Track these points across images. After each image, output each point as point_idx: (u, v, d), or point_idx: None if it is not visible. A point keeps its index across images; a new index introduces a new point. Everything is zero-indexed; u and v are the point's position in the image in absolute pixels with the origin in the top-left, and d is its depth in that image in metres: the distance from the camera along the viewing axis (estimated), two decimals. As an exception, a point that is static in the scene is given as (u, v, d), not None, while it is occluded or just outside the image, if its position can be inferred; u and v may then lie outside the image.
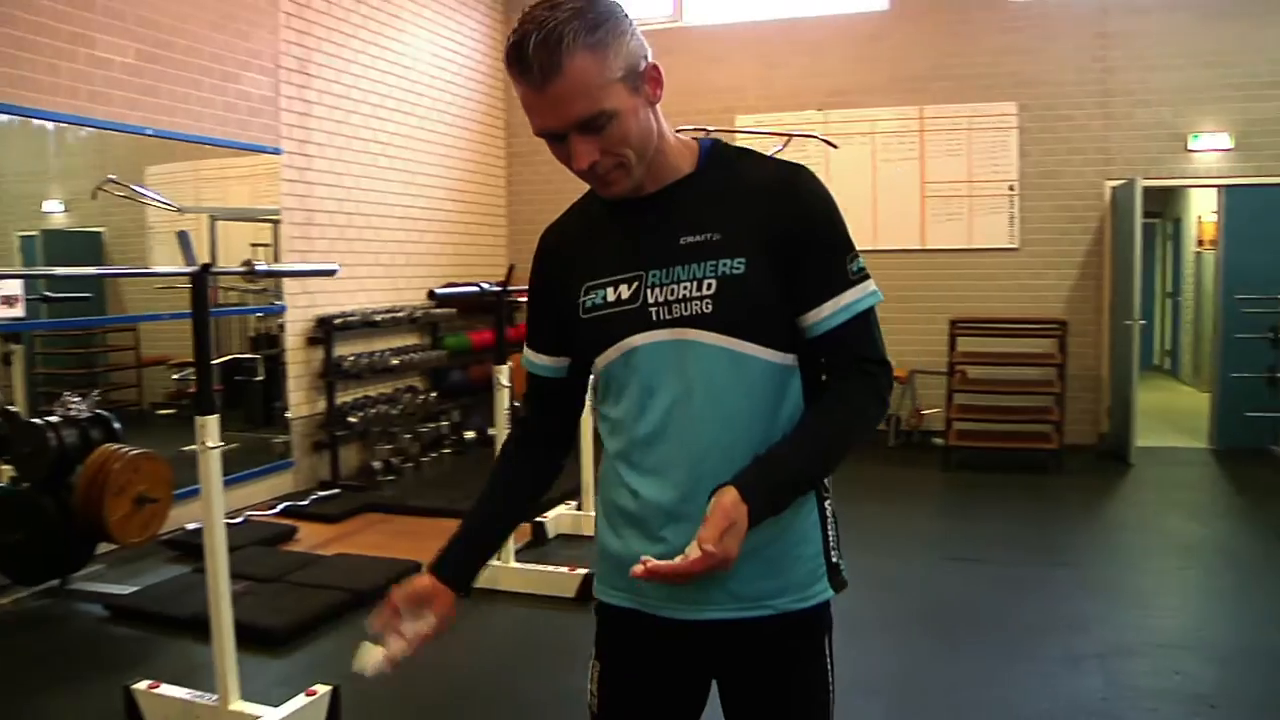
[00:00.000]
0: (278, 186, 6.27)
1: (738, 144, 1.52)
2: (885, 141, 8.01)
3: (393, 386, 7.34)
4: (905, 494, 6.45)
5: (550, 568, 4.56)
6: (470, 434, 7.94)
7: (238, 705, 3.02)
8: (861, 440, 1.41)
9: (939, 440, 7.66)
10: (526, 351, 1.58)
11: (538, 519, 5.28)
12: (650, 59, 1.36)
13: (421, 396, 7.44)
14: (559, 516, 5.42)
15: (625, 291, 1.42)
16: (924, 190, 7.97)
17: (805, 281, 1.39)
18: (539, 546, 5.14)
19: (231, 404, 6.55)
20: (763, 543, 1.38)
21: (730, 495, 1.28)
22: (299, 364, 6.51)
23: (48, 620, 4.21)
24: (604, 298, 1.43)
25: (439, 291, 4.27)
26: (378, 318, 6.97)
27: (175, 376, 5.87)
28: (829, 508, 1.49)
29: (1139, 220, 7.02)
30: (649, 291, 1.40)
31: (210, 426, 2.90)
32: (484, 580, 4.14)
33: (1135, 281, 7.08)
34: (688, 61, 8.36)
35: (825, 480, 1.48)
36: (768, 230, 1.38)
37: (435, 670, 3.65)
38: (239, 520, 5.56)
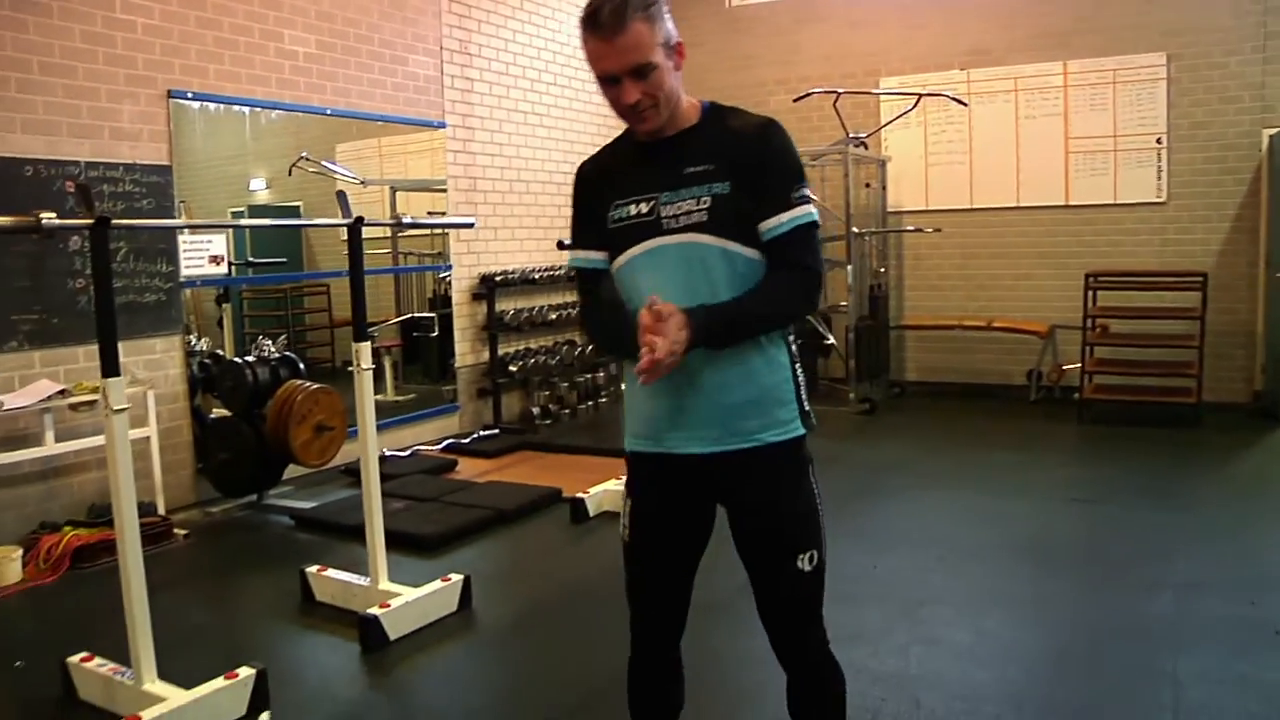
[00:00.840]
0: (445, 158, 6.97)
1: (729, 104, 1.99)
2: (1028, 98, 8.02)
3: (552, 340, 7.98)
4: (1039, 444, 6.59)
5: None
6: (624, 385, 8.51)
7: (385, 585, 3.66)
8: (782, 319, 1.91)
9: (1078, 396, 7.69)
10: (577, 253, 2.05)
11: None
12: (678, 37, 1.88)
13: (579, 350, 8.04)
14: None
15: (644, 208, 1.92)
16: (1068, 146, 7.94)
17: (764, 200, 1.87)
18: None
19: (411, 359, 7.37)
20: (752, 396, 1.89)
21: (679, 319, 1.77)
22: (464, 318, 7.23)
23: (247, 526, 5.04)
24: (629, 212, 1.94)
25: (565, 242, 4.79)
26: (536, 275, 7.61)
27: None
28: (798, 370, 1.97)
29: (1294, 170, 6.84)
30: (662, 208, 1.90)
31: (364, 351, 3.54)
32: (611, 504, 4.70)
33: (1288, 233, 6.91)
34: (832, 27, 8.59)
35: (793, 349, 1.97)
36: (744, 162, 1.88)
37: (552, 575, 4.24)
38: (407, 453, 6.32)
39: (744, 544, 1.98)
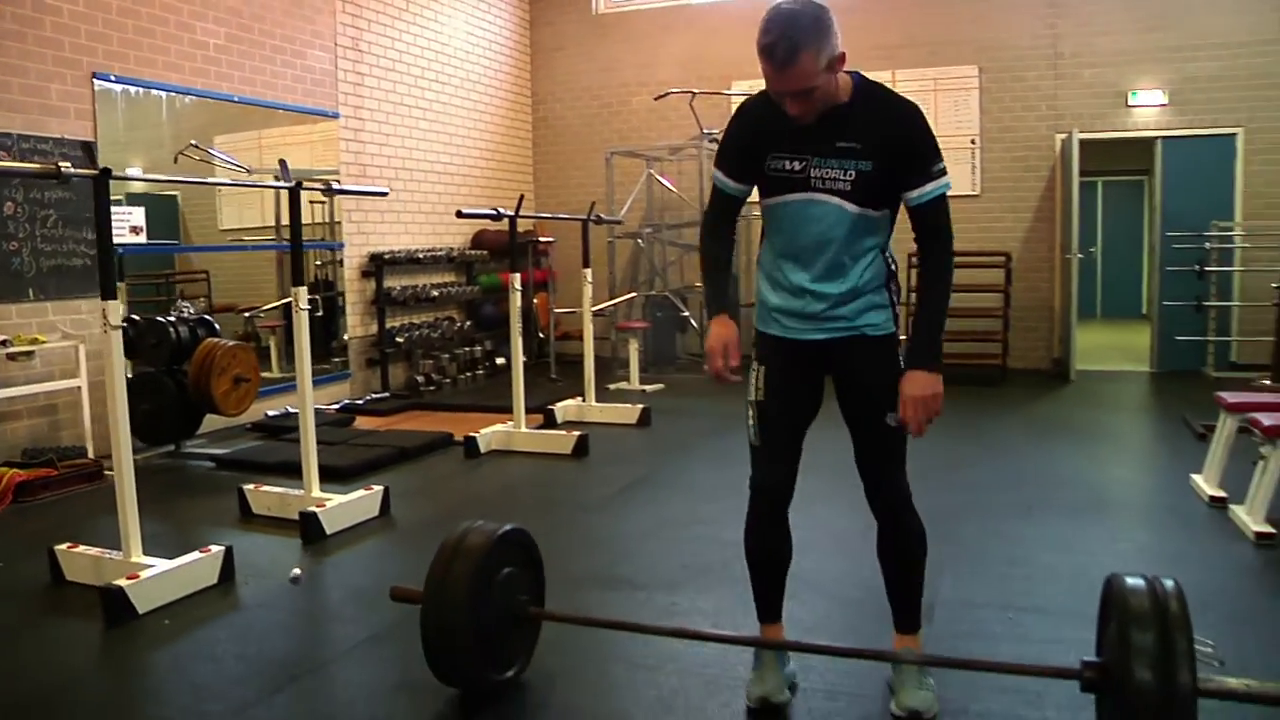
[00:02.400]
0: (336, 147, 7.55)
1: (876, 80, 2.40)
2: (861, 102, 9.08)
3: (434, 316, 8.63)
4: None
5: (553, 433, 5.88)
6: (501, 360, 9.19)
7: (318, 494, 4.32)
8: (949, 295, 2.45)
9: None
10: (721, 176, 2.49)
11: (549, 407, 6.59)
12: (841, 48, 2.23)
13: (459, 325, 8.72)
14: (566, 406, 6.72)
15: (798, 166, 2.37)
16: (897, 144, 9.05)
17: (912, 172, 2.34)
18: (549, 427, 6.42)
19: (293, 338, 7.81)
20: (862, 308, 2.48)
21: (926, 379, 2.39)
22: (355, 293, 7.82)
23: (171, 469, 5.57)
24: (784, 165, 2.39)
25: (465, 211, 5.53)
26: (421, 255, 8.26)
27: (245, 315, 7.13)
28: (894, 286, 2.53)
29: (1076, 168, 8.09)
30: (813, 170, 2.36)
31: (301, 293, 4.19)
32: (499, 444, 5.43)
33: (1074, 221, 8.15)
34: (691, 34, 9.54)
35: (893, 268, 2.51)
36: (890, 144, 2.32)
37: (454, 493, 4.97)
38: (310, 411, 6.90)
39: (848, 405, 2.54)
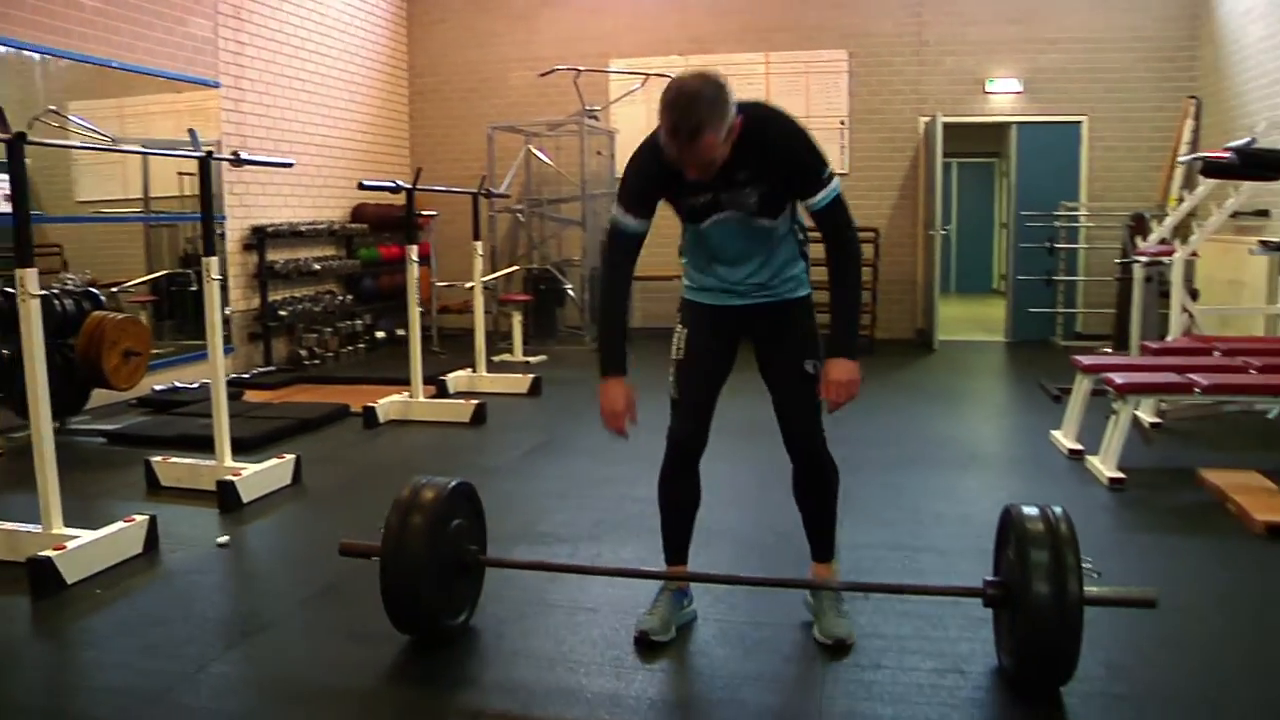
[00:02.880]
0: (205, 116, 7.36)
1: (758, 106, 2.54)
2: (736, 83, 9.33)
3: (315, 290, 8.54)
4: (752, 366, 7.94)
5: (451, 402, 5.99)
6: (381, 334, 9.18)
7: (230, 463, 4.34)
8: (860, 283, 2.73)
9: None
10: (622, 216, 2.62)
11: (441, 378, 6.67)
12: (736, 114, 2.41)
13: (340, 299, 8.66)
14: (457, 377, 6.83)
15: (707, 197, 2.60)
16: (771, 124, 9.41)
17: (806, 186, 2.57)
18: (443, 397, 6.51)
19: (168, 314, 7.62)
20: (782, 280, 2.74)
21: (845, 365, 2.66)
22: (237, 266, 7.69)
23: (62, 446, 5.37)
24: (698, 201, 2.61)
25: (367, 183, 5.55)
26: (303, 229, 8.16)
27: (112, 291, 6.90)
28: (806, 262, 2.80)
29: (940, 149, 8.60)
30: (721, 198, 2.59)
31: (212, 264, 4.19)
32: (397, 414, 5.50)
33: (937, 199, 8.67)
34: (569, 12, 9.65)
35: (801, 240, 2.75)
36: (781, 168, 2.55)
37: (359, 461, 5.06)
38: (195, 385, 6.78)
39: (769, 359, 2.79)
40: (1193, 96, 8.58)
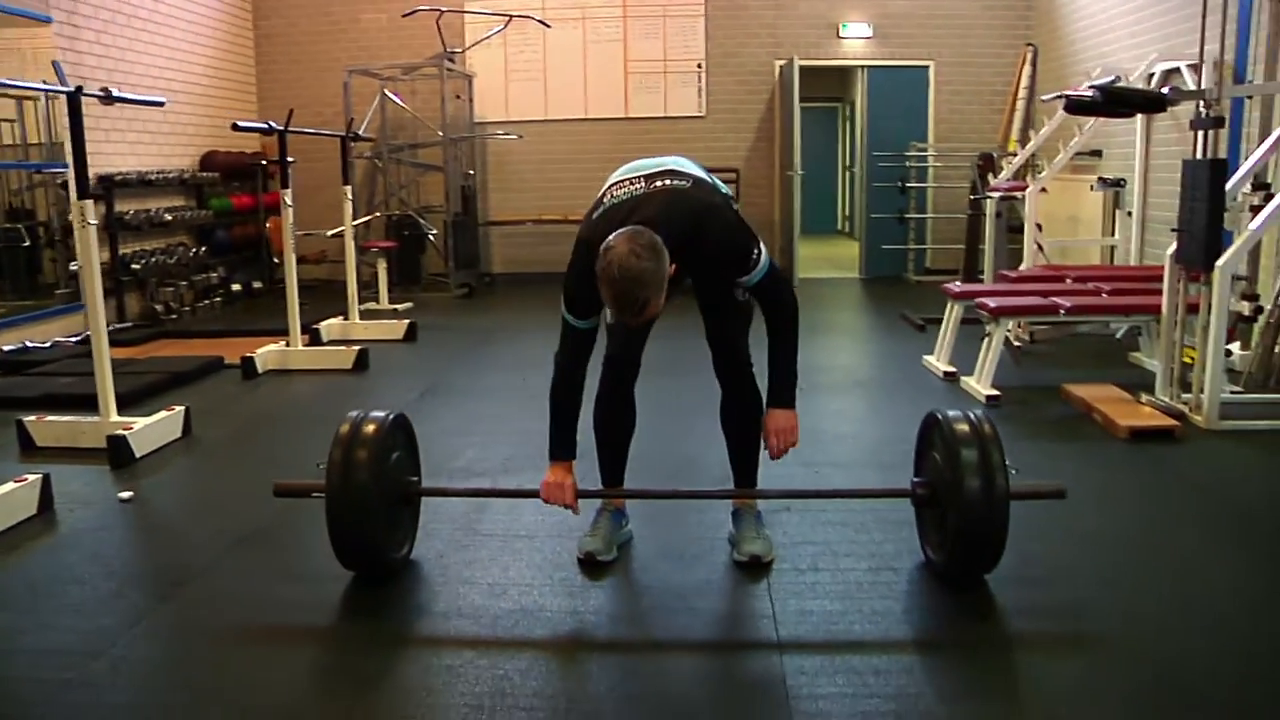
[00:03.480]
0: (50, 56, 6.87)
1: (683, 220, 2.55)
2: (594, 26, 9.39)
3: (167, 242, 8.12)
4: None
5: (332, 349, 5.90)
6: (237, 286, 8.81)
7: (115, 418, 4.14)
8: (797, 335, 2.80)
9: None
10: (573, 319, 2.64)
11: (314, 326, 6.52)
12: (672, 267, 2.43)
13: (193, 251, 8.26)
14: (330, 325, 6.69)
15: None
16: (628, 68, 9.44)
17: (740, 272, 2.66)
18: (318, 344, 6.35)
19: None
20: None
21: (784, 414, 2.74)
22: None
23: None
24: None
25: (241, 124, 5.30)
26: (152, 177, 7.73)
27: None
28: (734, 203, 2.86)
29: (796, 91, 8.81)
30: None
31: (88, 207, 3.95)
32: (275, 363, 5.35)
33: (795, 141, 8.90)
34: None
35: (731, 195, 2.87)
36: (713, 264, 2.65)
37: (243, 413, 4.92)
38: (48, 344, 6.39)
39: (704, 289, 2.83)
40: (1030, 44, 9.08)
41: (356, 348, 5.80)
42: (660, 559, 2.96)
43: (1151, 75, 6.64)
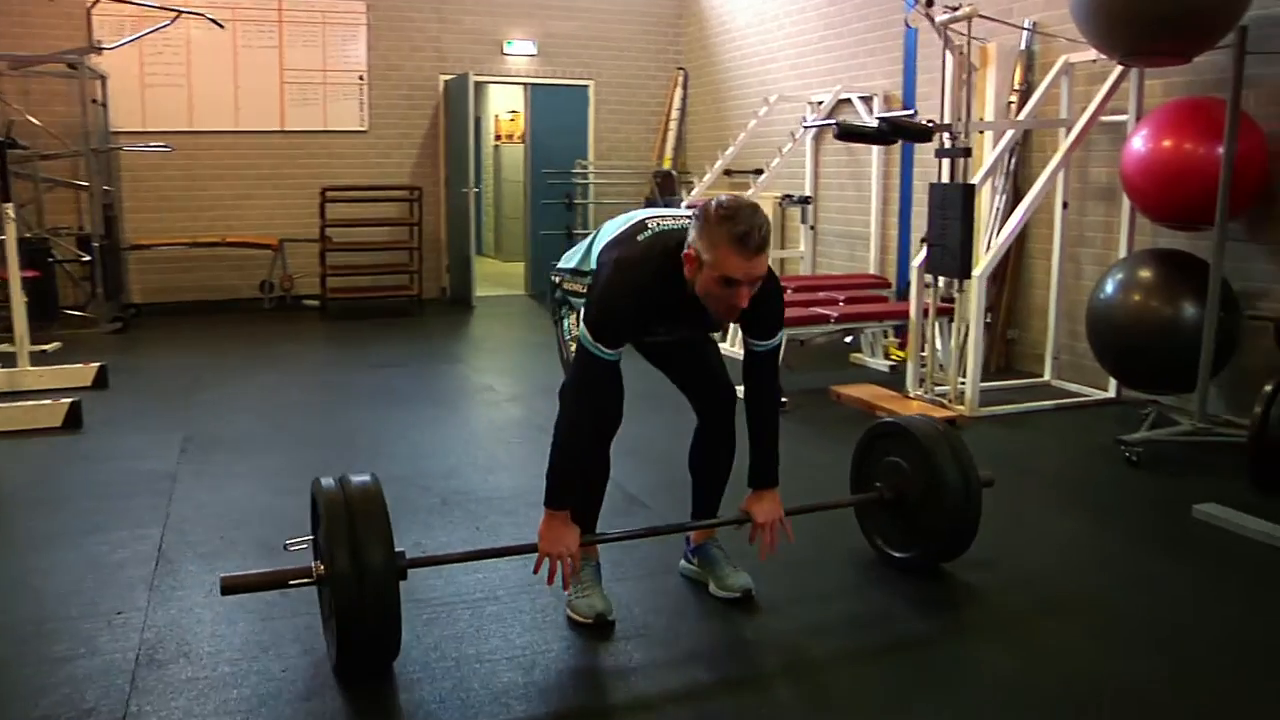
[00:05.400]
0: None
1: None
2: (246, 30, 8.60)
3: None
4: (302, 337, 7.50)
5: (30, 404, 4.92)
6: None
7: None
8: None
9: (312, 302, 8.72)
10: (603, 351, 2.40)
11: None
12: None
13: None
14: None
15: (673, 335, 2.67)
16: (283, 76, 8.76)
17: (764, 329, 2.58)
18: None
19: None
20: None
21: (773, 495, 2.70)
22: None
23: None
24: (669, 334, 2.64)
25: None
26: None
27: None
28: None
29: (471, 106, 8.70)
30: (687, 332, 2.67)
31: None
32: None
33: (470, 157, 8.78)
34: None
35: None
36: (753, 316, 2.48)
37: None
38: None
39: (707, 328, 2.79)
40: (681, 68, 9.73)
41: (66, 400, 4.84)
42: (649, 597, 2.86)
43: (823, 103, 7.42)
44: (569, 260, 2.81)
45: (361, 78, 8.98)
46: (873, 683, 2.44)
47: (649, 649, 2.59)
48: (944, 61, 5.87)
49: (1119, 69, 4.88)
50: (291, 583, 2.33)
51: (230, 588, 2.33)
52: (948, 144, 4.84)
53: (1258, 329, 4.45)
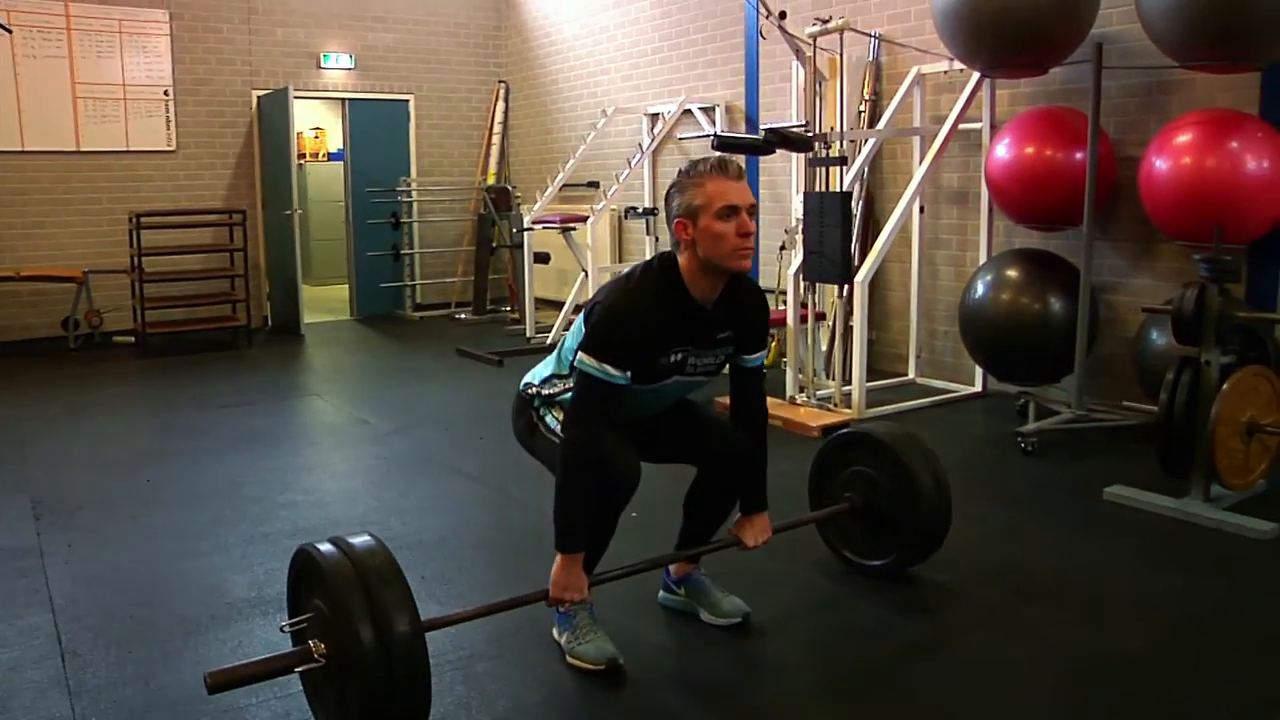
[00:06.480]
0: None
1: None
2: (26, 36, 7.79)
3: None
4: (113, 383, 6.76)
5: None
6: None
7: None
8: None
9: (125, 338, 7.99)
10: (608, 374, 2.33)
11: None
12: None
13: None
14: None
15: (678, 358, 2.47)
16: (76, 91, 8.00)
17: (753, 344, 2.60)
18: None
19: None
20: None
21: (763, 519, 2.71)
22: None
23: None
24: (667, 361, 2.45)
25: None
26: None
27: None
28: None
29: (294, 124, 8.21)
30: (689, 360, 2.49)
31: None
32: None
33: (294, 177, 8.28)
34: None
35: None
36: (749, 327, 2.56)
37: None
38: None
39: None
40: (502, 81, 9.58)
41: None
42: (650, 631, 2.77)
43: (660, 115, 7.48)
44: (536, 375, 2.71)
45: (166, 93, 8.34)
46: (909, 691, 2.47)
47: (675, 689, 2.53)
48: (793, 72, 6.05)
49: (974, 80, 5.16)
50: (298, 669, 2.10)
51: (219, 685, 2.04)
52: (823, 153, 4.97)
53: (1114, 321, 4.84)
